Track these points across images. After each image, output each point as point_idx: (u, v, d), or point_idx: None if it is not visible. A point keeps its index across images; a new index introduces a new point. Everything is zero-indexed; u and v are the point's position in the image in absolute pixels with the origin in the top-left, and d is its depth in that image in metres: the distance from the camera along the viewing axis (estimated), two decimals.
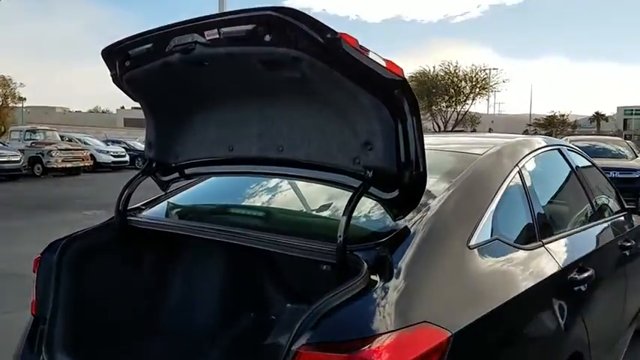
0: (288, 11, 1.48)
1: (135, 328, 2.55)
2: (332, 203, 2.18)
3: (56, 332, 2.11)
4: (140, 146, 25.23)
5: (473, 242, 1.70)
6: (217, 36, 1.65)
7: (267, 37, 1.54)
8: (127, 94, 2.24)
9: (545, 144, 2.66)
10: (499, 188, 1.97)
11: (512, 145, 2.39)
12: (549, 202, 2.47)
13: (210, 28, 1.67)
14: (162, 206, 2.54)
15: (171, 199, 2.58)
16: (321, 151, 1.79)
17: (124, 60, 1.99)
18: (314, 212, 2.31)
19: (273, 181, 2.50)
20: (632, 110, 66.35)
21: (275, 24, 1.52)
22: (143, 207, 2.52)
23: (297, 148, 1.86)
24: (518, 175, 2.14)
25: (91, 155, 20.98)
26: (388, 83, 1.49)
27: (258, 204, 2.53)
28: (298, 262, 1.75)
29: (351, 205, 1.59)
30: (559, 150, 2.80)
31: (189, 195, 2.62)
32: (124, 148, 24.22)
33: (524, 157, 2.29)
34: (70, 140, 22.72)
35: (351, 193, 1.68)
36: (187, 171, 2.41)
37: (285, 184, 2.45)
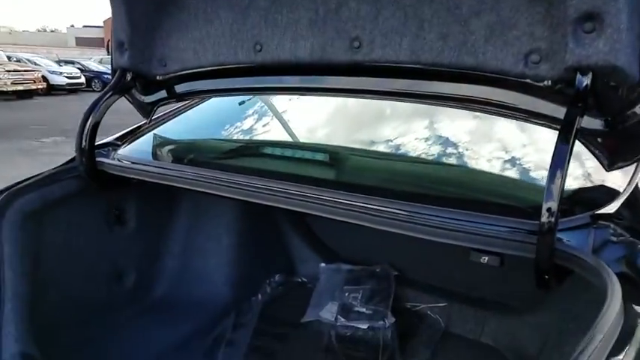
0: None
1: (114, 309, 1.87)
2: (448, 139, 1.45)
3: (4, 333, 1.42)
4: (95, 67, 23.29)
5: None
6: None
7: None
8: None
9: None
10: None
11: None
12: None
13: None
14: (145, 141, 1.76)
15: (158, 130, 1.80)
16: (451, 45, 1.01)
17: None
18: (422, 155, 1.52)
19: (326, 99, 1.71)
20: None
21: None
22: (118, 142, 1.74)
23: (394, 40, 1.07)
24: None
25: (44, 77, 19.14)
26: None
27: (308, 138, 1.74)
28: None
29: (569, 150, 0.86)
30: None
31: (187, 122, 1.84)
32: (78, 68, 22.22)
33: None
34: (18, 61, 20.61)
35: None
36: (180, 88, 1.61)
37: (351, 103, 1.66)
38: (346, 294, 2.08)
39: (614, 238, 0.92)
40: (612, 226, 0.93)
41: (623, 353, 0.73)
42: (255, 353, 1.76)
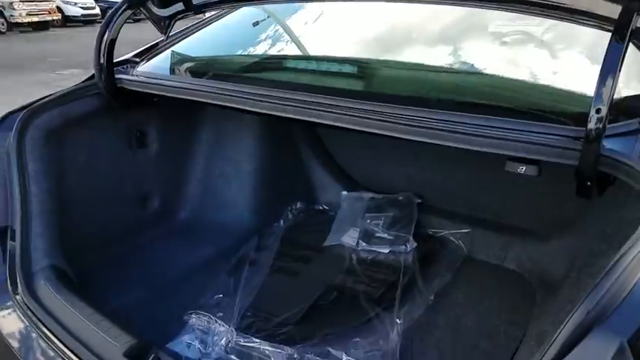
0: None
1: (140, 231, 1.90)
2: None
3: (33, 246, 1.44)
4: None
5: None
6: None
7: None
8: None
9: None
10: None
11: None
12: None
13: None
14: (164, 58, 1.71)
15: (176, 47, 1.74)
16: None
17: None
18: (455, 65, 1.43)
19: (352, 7, 1.61)
20: None
21: None
22: (136, 59, 1.69)
23: None
24: None
25: (58, 8, 18.81)
26: None
27: (333, 52, 1.66)
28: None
29: (622, 51, 0.80)
30: None
31: (206, 38, 1.76)
32: None
33: None
34: None
35: None
36: None
37: (377, 14, 1.57)
38: (368, 221, 2.08)
39: None
40: None
41: None
42: (277, 273, 1.79)
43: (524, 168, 0.99)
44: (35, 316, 1.24)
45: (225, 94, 1.36)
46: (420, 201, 2.15)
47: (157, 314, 1.58)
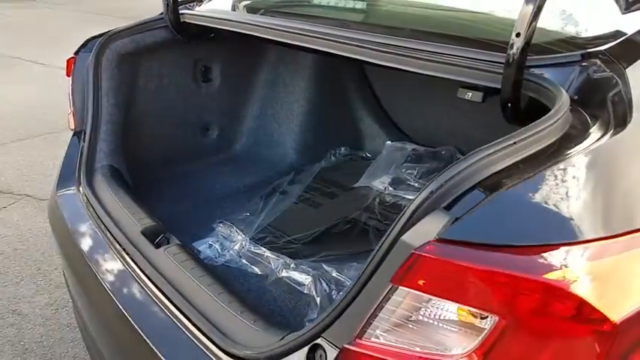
0: None
1: (197, 156, 2.17)
2: None
3: (99, 148, 1.75)
4: None
5: None
6: None
7: None
8: None
9: None
10: None
11: None
12: None
13: None
14: None
15: None
16: None
17: None
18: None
19: None
20: None
21: None
22: None
23: None
24: None
25: None
26: None
27: None
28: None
29: None
30: None
31: None
32: None
33: None
34: None
35: None
36: None
37: None
38: (403, 170, 2.15)
39: (596, 75, 0.87)
40: (598, 63, 0.88)
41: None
42: (303, 202, 1.97)
43: (471, 94, 1.04)
44: (88, 201, 1.55)
45: (282, 31, 1.48)
46: (460, 156, 2.17)
47: (193, 221, 1.84)
